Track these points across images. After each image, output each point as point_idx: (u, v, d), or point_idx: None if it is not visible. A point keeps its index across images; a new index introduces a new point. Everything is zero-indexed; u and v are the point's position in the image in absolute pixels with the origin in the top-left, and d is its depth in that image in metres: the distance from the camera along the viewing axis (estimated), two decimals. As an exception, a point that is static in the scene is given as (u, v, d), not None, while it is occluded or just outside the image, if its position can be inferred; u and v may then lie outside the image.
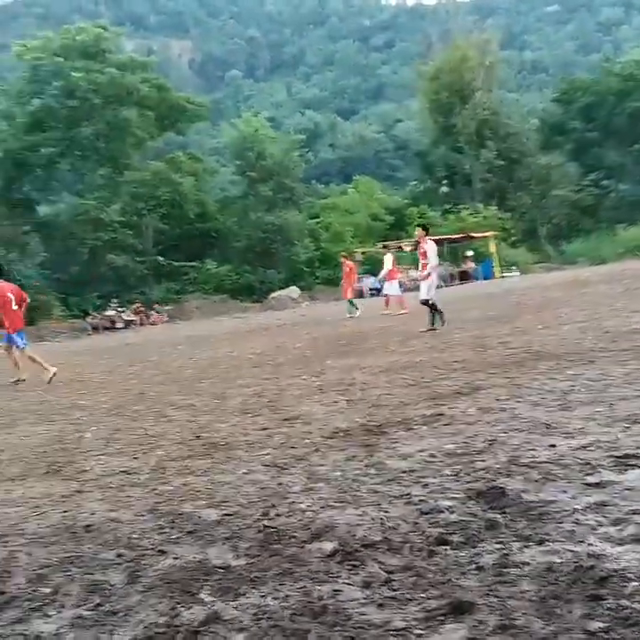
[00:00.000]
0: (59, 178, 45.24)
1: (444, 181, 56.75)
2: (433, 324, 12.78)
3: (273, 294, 40.98)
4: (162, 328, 31.85)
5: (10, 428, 7.46)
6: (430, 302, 12.98)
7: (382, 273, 20.01)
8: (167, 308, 38.16)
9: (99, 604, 2.76)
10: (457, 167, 54.91)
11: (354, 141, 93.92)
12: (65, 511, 4.12)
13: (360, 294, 35.40)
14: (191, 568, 2.99)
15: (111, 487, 4.56)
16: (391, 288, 19.32)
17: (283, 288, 42.22)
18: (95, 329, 33.12)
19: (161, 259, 43.26)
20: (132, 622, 2.57)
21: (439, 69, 56.18)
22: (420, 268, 13.71)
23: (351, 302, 20.29)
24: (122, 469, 5.01)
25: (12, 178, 42.15)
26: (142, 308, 36.81)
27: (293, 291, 41.16)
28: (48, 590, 2.96)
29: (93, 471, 5.07)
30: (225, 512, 3.76)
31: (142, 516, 3.87)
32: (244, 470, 4.59)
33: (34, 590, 2.98)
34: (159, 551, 3.26)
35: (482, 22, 73.21)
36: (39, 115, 41.87)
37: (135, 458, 5.36)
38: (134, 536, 3.53)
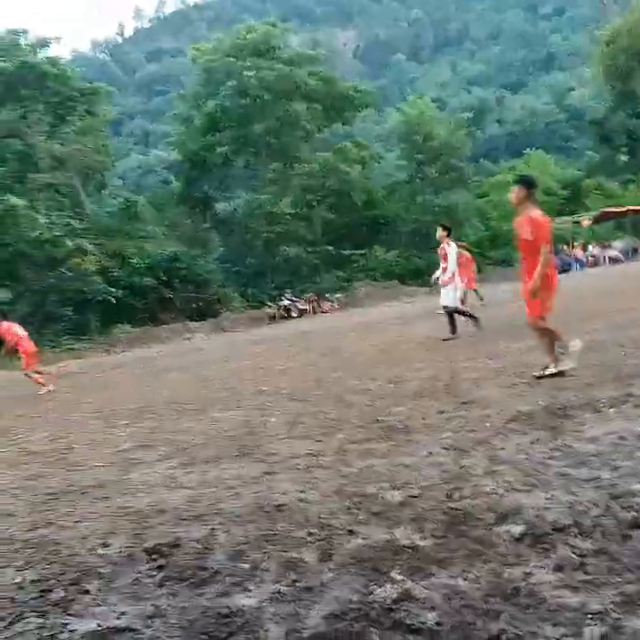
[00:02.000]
0: (234, 175, 47.29)
1: (623, 149, 53.21)
2: (453, 331, 12.01)
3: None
4: (334, 316, 32.47)
5: (201, 415, 7.94)
6: (455, 309, 12.37)
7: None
8: (338, 295, 38.80)
9: (295, 581, 2.91)
10: (637, 133, 51.22)
11: (522, 115, 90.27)
12: (257, 492, 4.35)
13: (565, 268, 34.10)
14: (380, 548, 3.07)
15: (298, 469, 4.75)
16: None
17: (452, 271, 41.56)
18: (272, 318, 34.33)
19: (330, 248, 44.06)
20: (327, 598, 2.69)
21: (616, 32, 52.39)
22: (440, 272, 12.72)
23: (476, 292, 19.93)
24: (307, 452, 5.20)
25: (192, 178, 44.61)
26: (315, 297, 37.71)
27: (463, 273, 40.40)
28: (247, 566, 3.15)
29: (280, 454, 5.30)
30: (409, 494, 3.82)
31: (329, 497, 4.01)
32: (425, 453, 4.62)
33: (234, 566, 3.18)
34: (348, 531, 3.37)
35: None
36: (214, 115, 43.86)
37: (318, 441, 5.53)
38: (323, 516, 3.67)
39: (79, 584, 3.22)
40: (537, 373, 6.72)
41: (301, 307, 35.85)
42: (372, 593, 2.64)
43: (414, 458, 4.54)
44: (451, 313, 12.20)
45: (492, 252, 45.33)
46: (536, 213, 6.74)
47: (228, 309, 36.24)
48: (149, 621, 2.73)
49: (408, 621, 2.38)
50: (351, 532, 3.35)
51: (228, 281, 39.82)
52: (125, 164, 78.10)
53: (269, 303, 36.55)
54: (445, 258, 12.39)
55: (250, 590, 2.89)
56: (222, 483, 4.70)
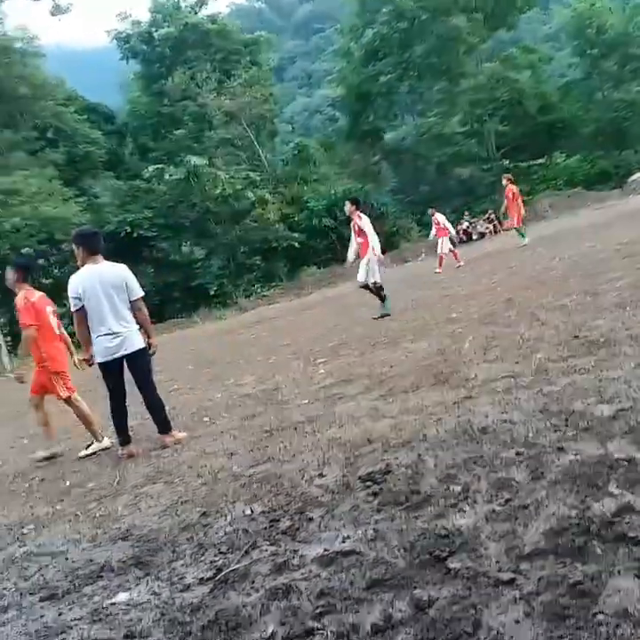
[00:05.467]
0: (399, 102, 46.48)
1: None
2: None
3: (632, 177, 37.53)
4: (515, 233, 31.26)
5: (394, 347, 8.08)
6: (371, 286, 11.53)
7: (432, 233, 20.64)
8: (520, 210, 37.29)
9: (508, 500, 2.94)
10: None
11: None
12: (459, 416, 4.40)
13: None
14: (593, 463, 3.03)
15: (498, 391, 4.73)
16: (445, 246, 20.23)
17: (643, 167, 38.46)
18: (452, 243, 33.77)
19: (506, 162, 42.27)
20: (543, 515, 2.70)
21: None
22: (357, 248, 11.74)
23: (518, 230, 18.43)
24: (505, 374, 5.15)
25: (358, 112, 44.42)
26: (494, 216, 36.52)
27: (657, 168, 37.19)
28: (459, 488, 3.23)
29: (478, 378, 5.29)
30: (618, 407, 3.70)
31: (534, 416, 3.97)
32: (633, 365, 4.42)
33: (446, 489, 3.27)
34: (558, 448, 3.34)
35: None
36: (373, 45, 43.10)
37: (516, 362, 5.45)
38: (530, 435, 3.66)
39: (303, 513, 3.47)
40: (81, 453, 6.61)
41: (481, 228, 34.92)
42: (589, 508, 2.62)
43: (621, 371, 4.37)
44: (372, 290, 11.71)
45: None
46: (19, 296, 6.49)
47: (407, 239, 36.11)
48: (372, 544, 2.89)
49: (632, 534, 2.34)
50: (561, 449, 3.32)
51: (403, 211, 39.59)
52: (292, 108, 79.12)
53: (449, 228, 35.85)
54: (360, 233, 11.65)
55: (464, 511, 2.97)
56: (423, 410, 4.80)
